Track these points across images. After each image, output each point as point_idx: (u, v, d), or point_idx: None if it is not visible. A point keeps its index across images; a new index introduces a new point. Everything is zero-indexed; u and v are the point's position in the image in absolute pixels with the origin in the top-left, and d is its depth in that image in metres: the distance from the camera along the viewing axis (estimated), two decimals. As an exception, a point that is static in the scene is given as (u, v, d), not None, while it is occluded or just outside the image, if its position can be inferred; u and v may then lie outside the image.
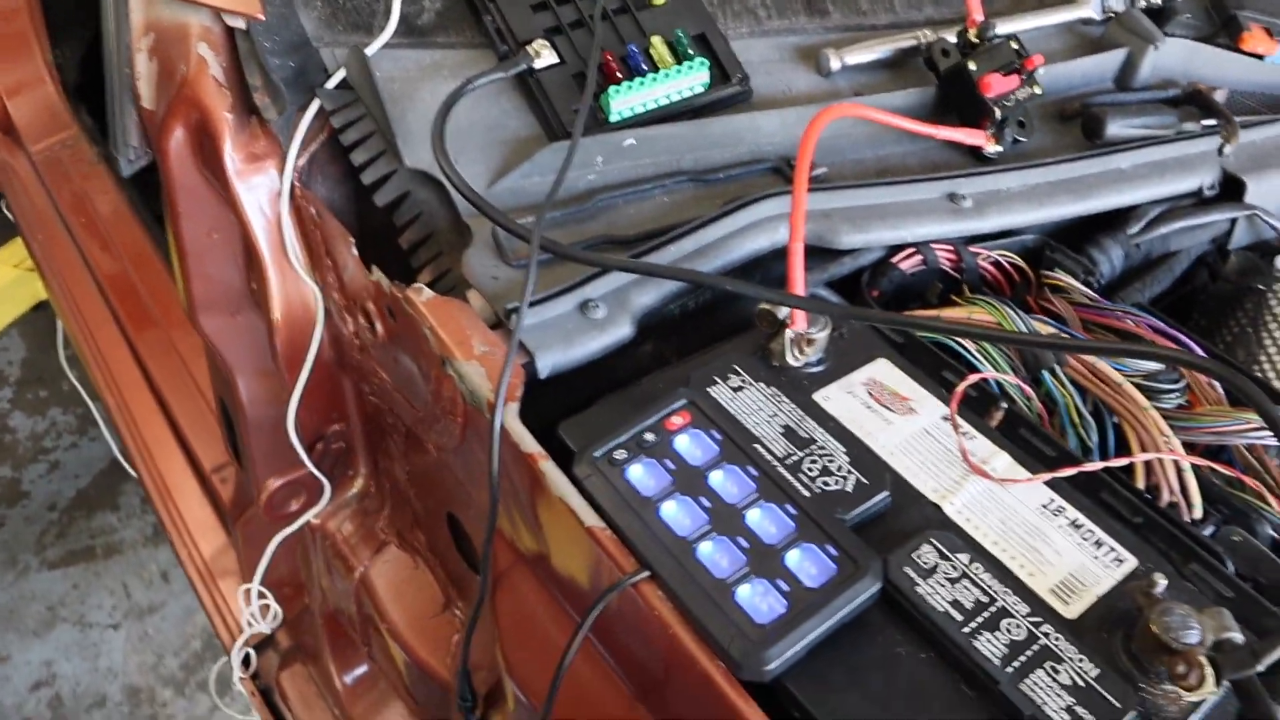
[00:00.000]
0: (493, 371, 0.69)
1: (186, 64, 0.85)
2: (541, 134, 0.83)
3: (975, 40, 0.89)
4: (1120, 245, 0.89)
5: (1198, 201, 0.93)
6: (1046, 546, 0.64)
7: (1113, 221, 0.90)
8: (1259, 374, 0.94)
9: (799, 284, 0.70)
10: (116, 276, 1.71)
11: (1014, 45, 0.88)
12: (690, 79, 0.83)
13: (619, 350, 0.74)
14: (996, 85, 0.86)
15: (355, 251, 0.81)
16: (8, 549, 2.11)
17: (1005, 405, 0.71)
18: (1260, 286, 0.95)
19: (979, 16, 0.90)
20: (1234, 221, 0.94)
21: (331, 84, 0.84)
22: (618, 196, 0.81)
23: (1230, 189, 0.93)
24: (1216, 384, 0.77)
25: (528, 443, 0.66)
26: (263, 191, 0.86)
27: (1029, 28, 0.97)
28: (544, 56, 0.82)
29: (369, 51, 0.84)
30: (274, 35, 0.84)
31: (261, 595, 1.14)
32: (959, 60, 0.88)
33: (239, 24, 0.83)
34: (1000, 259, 0.88)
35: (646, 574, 0.60)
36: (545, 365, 0.71)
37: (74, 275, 1.77)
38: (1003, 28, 0.95)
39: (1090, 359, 0.75)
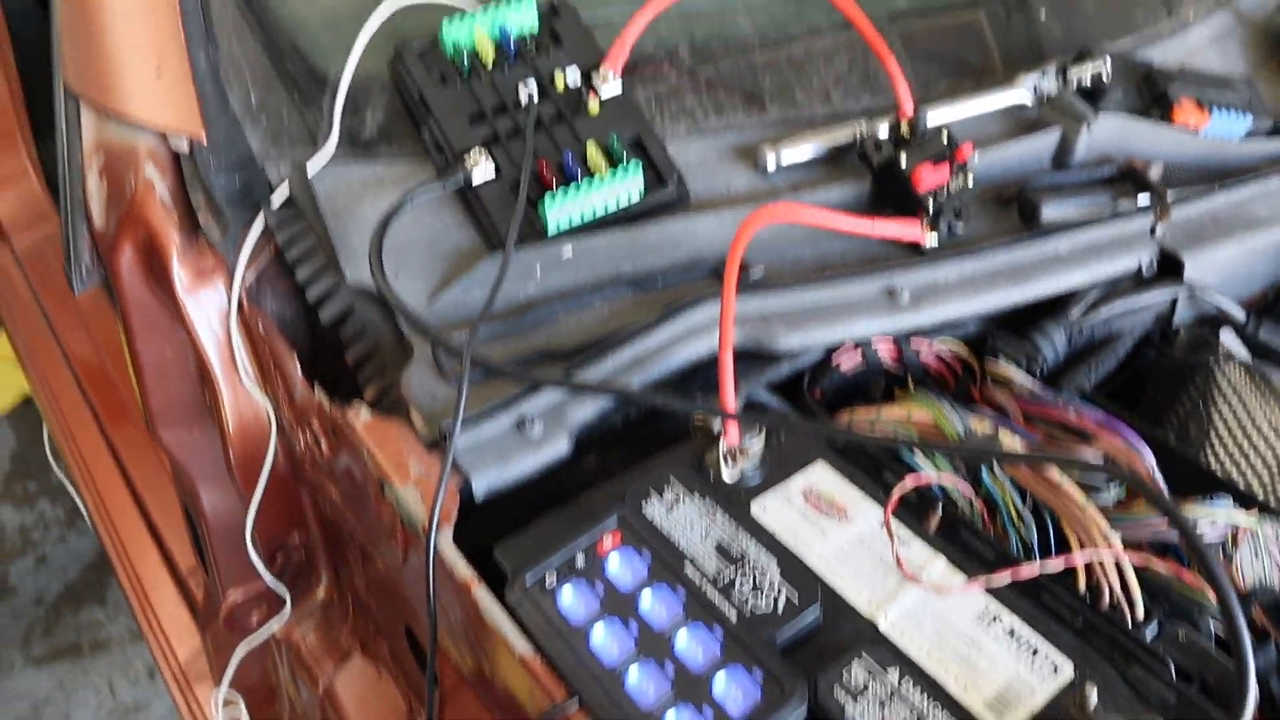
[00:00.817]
0: (428, 495, 0.69)
1: (134, 184, 0.86)
2: (482, 246, 0.84)
3: (907, 133, 0.91)
4: (1063, 330, 0.90)
5: (1138, 281, 0.94)
6: (982, 657, 0.63)
7: (1055, 305, 0.91)
8: (1210, 450, 0.94)
9: (729, 396, 0.71)
10: (96, 371, 1.72)
11: (944, 136, 0.90)
12: (626, 184, 0.84)
13: (560, 465, 0.75)
14: (928, 178, 0.87)
15: (299, 370, 0.82)
16: (-7, 644, 2.10)
17: (942, 507, 0.71)
18: (1208, 361, 0.95)
19: (909, 108, 0.92)
20: (1175, 299, 0.95)
21: (276, 201, 0.85)
22: (558, 307, 0.82)
23: (1168, 267, 0.94)
24: (1156, 474, 0.78)
25: (461, 569, 0.66)
26: (212, 308, 0.88)
27: (964, 116, 0.99)
28: (481, 168, 0.84)
29: (311, 168, 0.85)
30: (220, 153, 0.86)
31: (230, 702, 1.13)
32: (891, 154, 0.89)
33: (182, 146, 0.85)
34: (942, 351, 0.88)
35: (576, 704, 0.60)
36: (481, 487, 0.71)
37: (55, 370, 1.78)
38: (936, 117, 0.96)
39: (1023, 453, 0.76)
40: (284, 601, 1.01)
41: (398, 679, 0.98)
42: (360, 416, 0.74)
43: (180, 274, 0.86)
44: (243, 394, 0.89)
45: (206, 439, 0.99)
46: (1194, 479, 0.81)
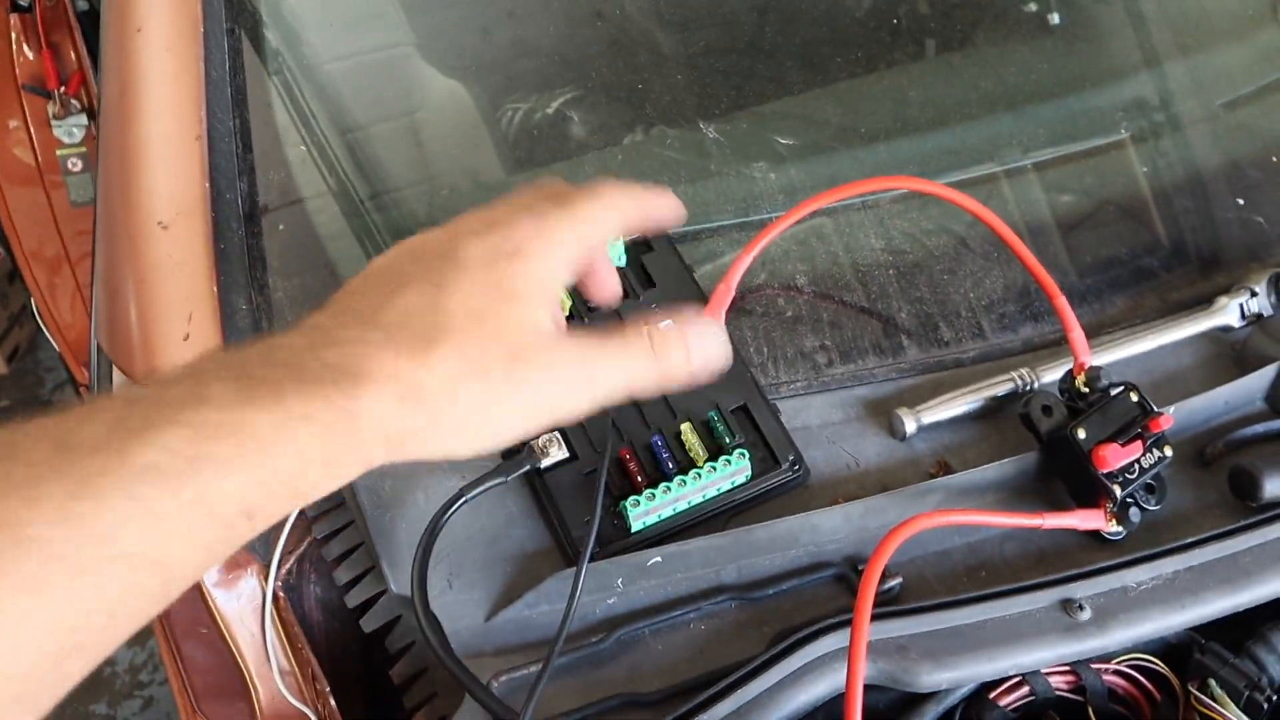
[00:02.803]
0: None
1: (161, 461, 0.75)
2: (552, 547, 0.70)
3: (1084, 390, 0.72)
4: (1296, 640, 0.70)
5: (1394, 570, 0.73)
6: None
7: (1281, 606, 0.71)
8: None
9: (860, 807, 0.54)
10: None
11: (1134, 397, 0.71)
12: (728, 475, 0.68)
13: None
14: (1113, 458, 0.69)
15: (331, 696, 0.69)
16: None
17: None
18: None
19: (1086, 359, 0.74)
20: None
21: (316, 484, 0.73)
22: (644, 626, 0.66)
23: None
24: None
25: None
26: (245, 601, 0.75)
27: (1152, 347, 0.80)
28: (552, 453, 0.69)
29: (359, 442, 0.73)
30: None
31: None
32: (1064, 421, 0.71)
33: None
34: (1132, 669, 0.69)
35: None
36: None
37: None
38: (1114, 354, 0.78)
39: None
40: None
41: None
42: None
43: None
44: (280, 701, 0.76)
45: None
46: None
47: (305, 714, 0.76)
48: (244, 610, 0.75)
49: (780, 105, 0.97)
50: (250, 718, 0.86)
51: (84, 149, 1.88)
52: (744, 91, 0.96)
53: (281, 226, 0.83)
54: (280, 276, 0.81)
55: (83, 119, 1.85)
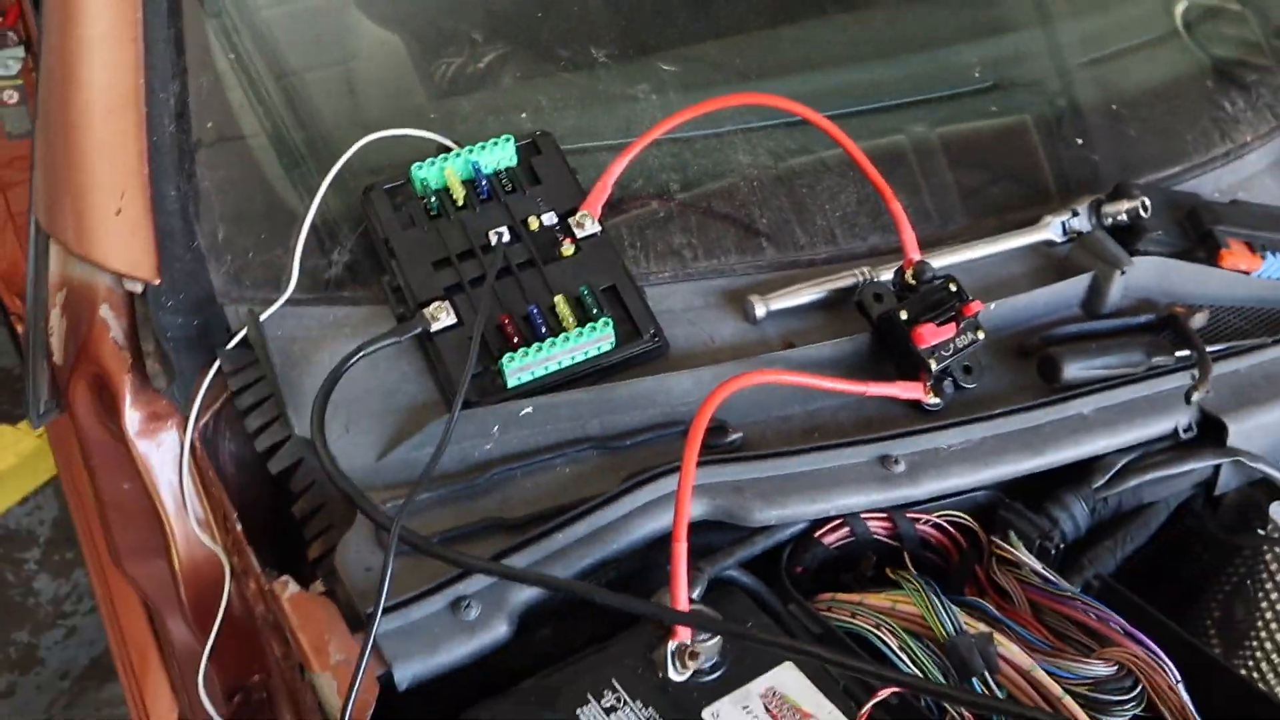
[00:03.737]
0: (344, 685, 0.63)
1: (90, 324, 0.83)
2: (439, 400, 0.79)
3: (911, 282, 0.83)
4: (1084, 501, 0.81)
5: (1173, 445, 0.84)
6: None
7: (1076, 473, 0.82)
8: (1257, 638, 0.84)
9: (681, 593, 0.64)
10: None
11: (953, 287, 0.82)
12: (594, 340, 0.78)
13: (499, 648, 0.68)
14: (929, 336, 0.79)
15: (240, 526, 0.77)
16: (16, 715, 2.09)
17: (920, 727, 0.63)
18: (1256, 539, 0.85)
19: (915, 255, 0.84)
20: (1218, 466, 0.85)
21: (232, 344, 0.81)
22: (516, 468, 0.76)
23: (1210, 430, 0.85)
24: (1179, 688, 0.68)
25: (367, 781, 0.60)
26: (165, 451, 0.84)
27: (981, 255, 0.91)
28: (441, 318, 0.79)
29: (272, 309, 0.82)
30: (179, 292, 0.82)
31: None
32: (892, 307, 0.82)
33: (135, 287, 0.82)
34: (944, 521, 0.80)
35: None
36: (405, 676, 0.65)
37: (73, 454, 1.78)
38: (951, 258, 0.89)
39: (1022, 664, 0.67)
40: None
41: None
42: (286, 590, 0.69)
43: (132, 416, 0.82)
44: (194, 542, 0.84)
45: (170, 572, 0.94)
46: (1227, 690, 0.71)
47: (218, 554, 0.84)
48: (164, 460, 0.83)
49: (676, 50, 1.06)
50: (168, 569, 0.94)
51: (20, 81, 1.90)
52: (645, 40, 1.04)
53: (210, 124, 0.91)
54: (207, 168, 0.89)
55: (19, 51, 1.87)
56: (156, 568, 0.96)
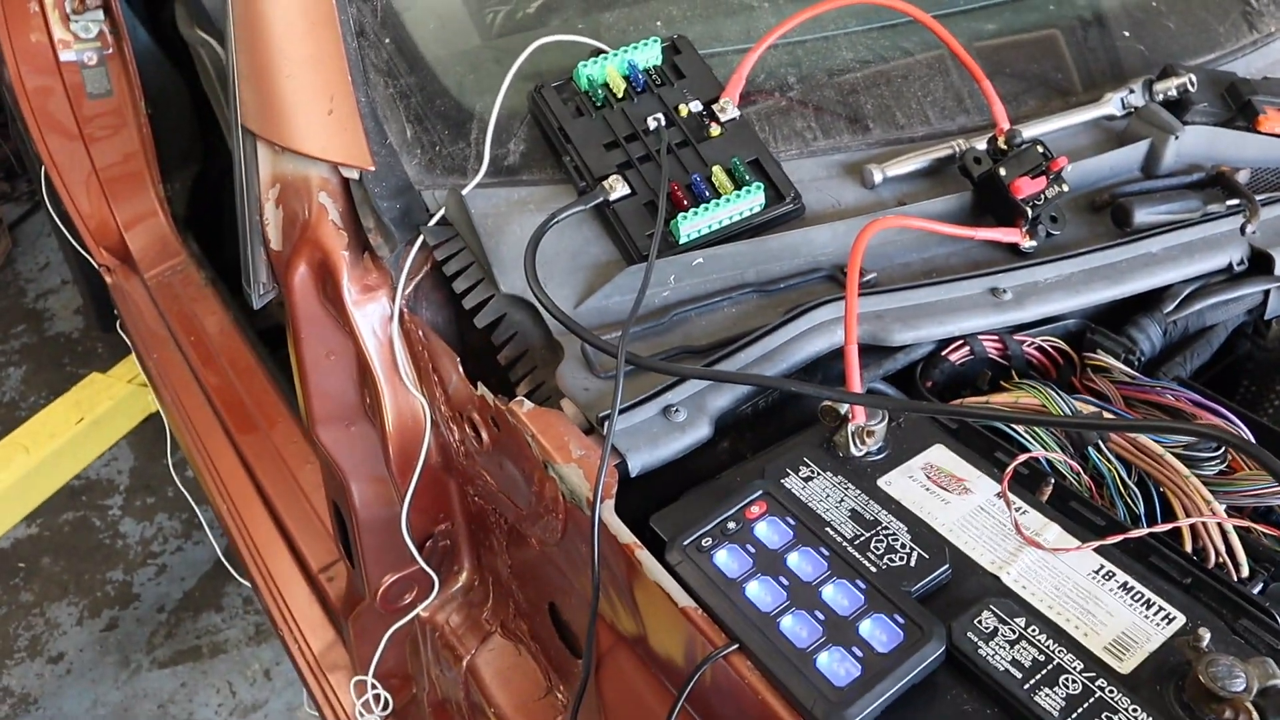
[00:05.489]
0: (589, 472, 0.78)
1: (309, 210, 0.97)
2: (619, 258, 0.93)
3: (1004, 147, 0.98)
4: (1157, 323, 0.97)
5: (1229, 277, 1.00)
6: (1099, 609, 0.70)
7: (1149, 302, 0.98)
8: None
9: (855, 382, 0.79)
10: (223, 388, 1.85)
11: (1040, 149, 0.97)
12: (748, 201, 0.93)
13: (700, 448, 0.83)
14: (1025, 188, 0.95)
15: (460, 368, 0.92)
16: (121, 649, 2.23)
17: (1053, 480, 0.79)
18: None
19: (1005, 125, 0.99)
20: (1267, 293, 1.01)
21: (433, 222, 0.96)
22: (690, 310, 0.91)
23: (1260, 263, 1.00)
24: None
25: (624, 535, 0.75)
26: (376, 318, 0.98)
27: (1055, 129, 1.06)
28: (617, 189, 0.93)
29: (464, 192, 0.96)
30: (382, 182, 0.96)
31: (373, 686, 1.23)
32: (990, 167, 0.97)
33: (353, 174, 0.96)
34: (1044, 344, 0.95)
35: (735, 647, 0.68)
36: (636, 465, 0.80)
37: (185, 388, 1.92)
38: (1029, 131, 1.04)
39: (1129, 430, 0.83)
40: (431, 587, 1.11)
41: (536, 655, 1.07)
42: (523, 406, 0.84)
43: (350, 288, 0.96)
44: (402, 394, 0.99)
45: (361, 438, 1.09)
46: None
47: (422, 404, 0.99)
48: (376, 324, 0.98)
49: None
50: (360, 434, 1.08)
51: (99, 44, 2.01)
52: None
53: (388, 40, 1.04)
54: (389, 78, 1.03)
55: (99, 14, 1.98)
56: (349, 433, 1.10)
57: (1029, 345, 0.95)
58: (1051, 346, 0.95)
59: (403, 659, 1.29)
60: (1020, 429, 0.85)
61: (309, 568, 1.57)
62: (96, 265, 2.12)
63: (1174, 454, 0.82)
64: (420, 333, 0.96)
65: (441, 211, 0.96)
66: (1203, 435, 0.78)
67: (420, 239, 0.95)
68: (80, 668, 2.21)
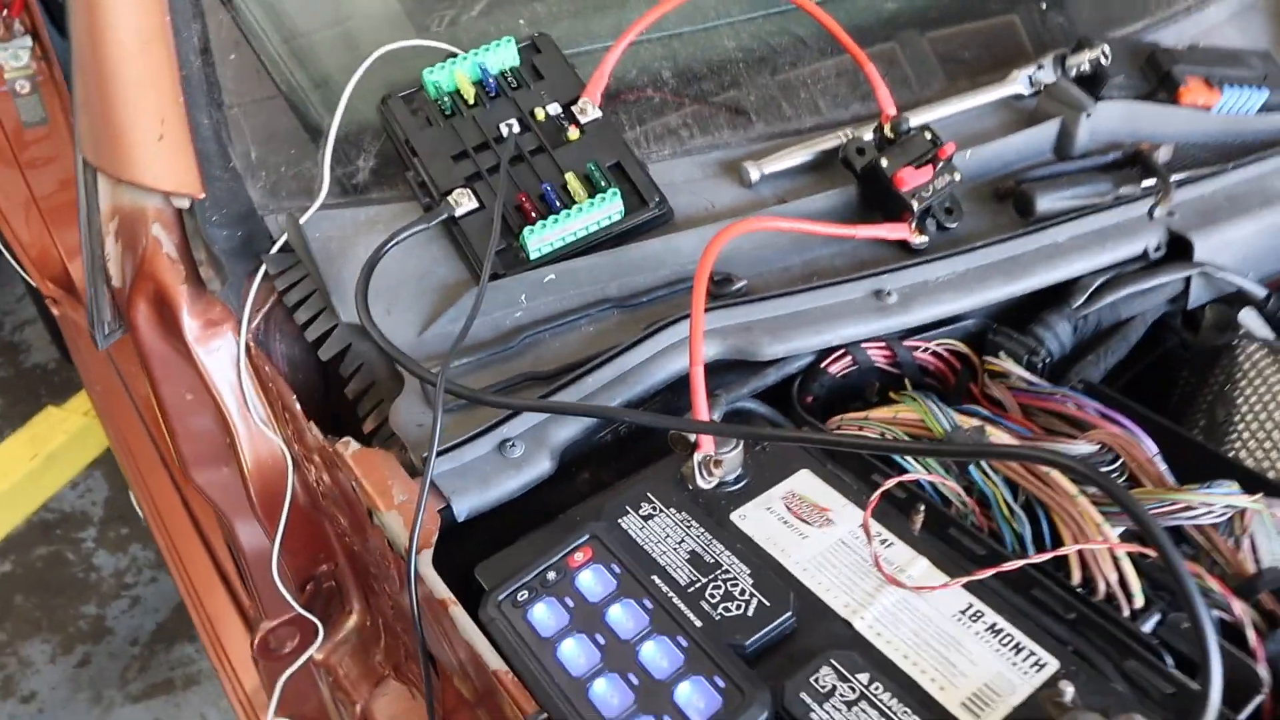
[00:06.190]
0: (409, 519, 0.71)
1: (145, 243, 0.91)
2: (469, 278, 0.87)
3: (890, 135, 0.90)
4: (1066, 320, 0.88)
5: (1144, 266, 0.92)
6: (961, 656, 0.62)
7: (1058, 296, 0.89)
8: (1236, 433, 0.91)
9: (701, 408, 0.72)
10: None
11: (928, 135, 0.89)
12: (604, 209, 0.85)
13: (558, 483, 0.76)
14: (910, 179, 0.87)
15: (297, 406, 0.85)
16: (94, 685, 2.20)
17: (922, 507, 0.71)
18: (1230, 343, 0.92)
19: (891, 111, 0.91)
20: (1188, 280, 0.92)
21: (275, 249, 0.89)
22: (544, 331, 0.84)
23: (1178, 248, 0.92)
24: (1157, 459, 0.75)
25: (439, 589, 0.68)
26: (223, 354, 0.92)
27: (956, 111, 0.98)
28: (464, 204, 0.86)
29: (308, 215, 0.89)
30: (221, 209, 0.90)
31: (281, 729, 1.17)
32: (874, 157, 0.89)
33: (183, 204, 0.89)
34: (939, 349, 0.87)
35: (544, 717, 0.61)
36: (463, 508, 0.73)
37: (128, 421, 1.87)
38: (925, 116, 0.96)
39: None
40: (316, 631, 1.05)
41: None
42: (348, 448, 0.77)
43: (190, 324, 0.90)
44: (258, 434, 0.92)
45: (236, 477, 1.02)
46: (1201, 462, 0.78)
47: (279, 446, 0.92)
48: (222, 362, 0.91)
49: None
50: (235, 474, 1.02)
51: (31, 71, 1.96)
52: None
53: (233, 56, 0.98)
54: (235, 97, 0.96)
55: (27, 41, 1.93)
56: (223, 474, 1.04)
57: (922, 351, 0.87)
58: (948, 351, 0.87)
59: (320, 699, 1.23)
60: (897, 448, 0.77)
61: (244, 607, 1.52)
62: (44, 296, 2.08)
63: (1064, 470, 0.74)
64: (267, 369, 0.90)
65: (284, 238, 0.89)
66: (1037, 460, 0.69)
67: (262, 269, 0.89)
68: (52, 706, 2.18)
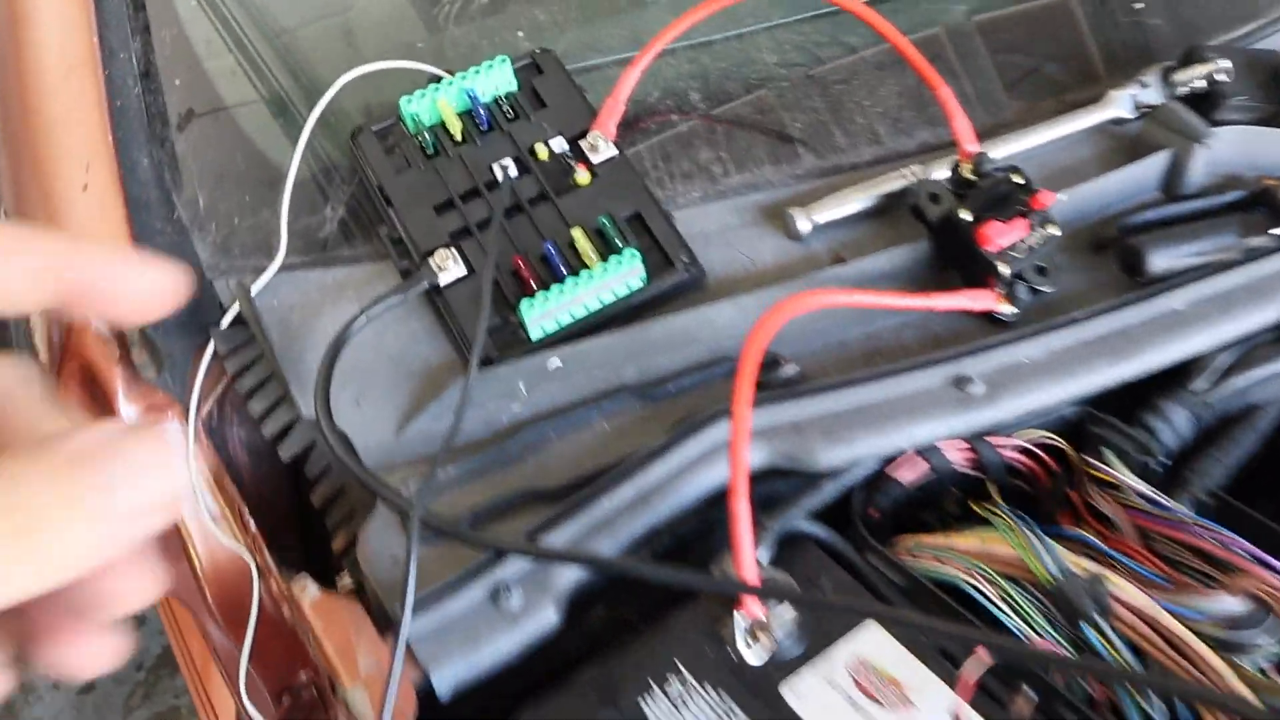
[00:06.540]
0: (376, 697, 0.56)
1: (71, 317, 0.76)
2: (458, 360, 0.71)
3: (969, 177, 0.74)
4: (1185, 407, 0.72)
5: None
6: None
7: (1174, 377, 0.73)
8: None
9: (747, 560, 0.56)
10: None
11: (1017, 179, 0.72)
12: (622, 275, 0.69)
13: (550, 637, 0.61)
14: (997, 235, 0.70)
15: (245, 516, 0.71)
16: (98, 712, 2.12)
17: (1030, 690, 0.55)
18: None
19: (971, 147, 0.75)
20: (1334, 356, 0.75)
21: (225, 323, 0.74)
22: (549, 428, 0.68)
23: (1324, 315, 0.75)
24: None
25: (412, 806, 0.53)
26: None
27: (1043, 142, 0.81)
28: (449, 269, 0.71)
29: (264, 279, 0.74)
30: (163, 272, 0.75)
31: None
32: (950, 207, 0.72)
33: (114, 272, 0.74)
34: (1030, 444, 0.71)
35: None
36: (445, 685, 0.58)
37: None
38: (1006, 149, 0.79)
39: (1140, 604, 0.59)
40: (294, 746, 0.91)
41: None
42: (307, 593, 0.62)
43: (128, 411, 0.75)
44: (213, 541, 0.78)
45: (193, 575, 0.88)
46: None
47: (238, 553, 0.78)
48: (167, 453, 0.77)
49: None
50: (189, 572, 0.88)
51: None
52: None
53: (177, 81, 0.82)
54: (180, 132, 0.81)
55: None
56: (183, 570, 0.90)
57: (1009, 447, 0.71)
58: (1040, 446, 0.71)
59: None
60: (990, 592, 0.61)
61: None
62: None
63: (1206, 633, 0.58)
64: (223, 469, 0.75)
65: (234, 309, 0.74)
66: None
67: (211, 346, 0.74)
68: (55, 735, 2.09)
